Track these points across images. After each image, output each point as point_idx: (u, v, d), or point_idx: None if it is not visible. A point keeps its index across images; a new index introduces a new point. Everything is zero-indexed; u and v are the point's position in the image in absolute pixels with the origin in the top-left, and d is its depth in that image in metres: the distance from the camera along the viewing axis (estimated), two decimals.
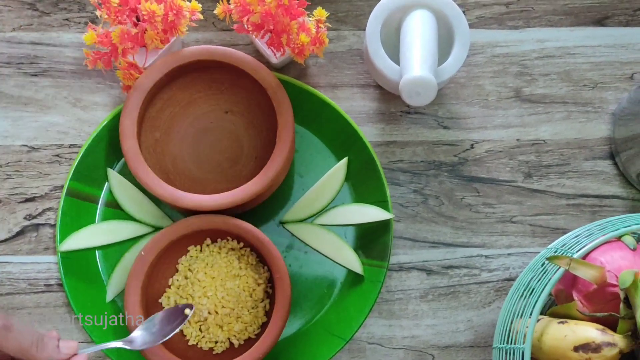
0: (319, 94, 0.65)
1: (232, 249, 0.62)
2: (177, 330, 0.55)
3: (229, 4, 0.60)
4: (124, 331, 0.62)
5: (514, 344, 0.53)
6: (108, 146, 0.65)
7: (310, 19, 0.62)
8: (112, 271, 0.64)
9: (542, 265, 0.56)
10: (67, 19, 0.69)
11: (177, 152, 0.64)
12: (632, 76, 0.69)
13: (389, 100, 0.68)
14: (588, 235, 0.55)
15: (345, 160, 0.66)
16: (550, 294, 0.55)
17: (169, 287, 0.62)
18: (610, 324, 0.52)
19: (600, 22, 0.70)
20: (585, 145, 0.68)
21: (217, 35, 0.69)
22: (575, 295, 0.55)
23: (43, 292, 0.65)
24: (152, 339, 0.54)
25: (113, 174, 0.64)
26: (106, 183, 0.65)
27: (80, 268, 0.64)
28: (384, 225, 0.64)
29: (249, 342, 0.61)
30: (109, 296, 0.63)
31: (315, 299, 0.64)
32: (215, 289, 0.60)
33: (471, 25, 0.69)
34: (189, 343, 0.61)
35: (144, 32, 0.60)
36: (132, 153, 0.59)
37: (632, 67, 0.69)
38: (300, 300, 0.64)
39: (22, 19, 0.69)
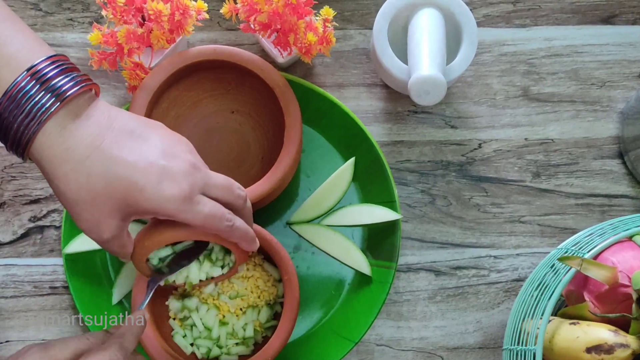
0: (325, 93, 0.65)
1: None
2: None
3: (236, 3, 0.59)
4: None
5: (525, 345, 0.53)
6: None
7: (317, 18, 0.61)
8: (119, 273, 0.63)
9: (552, 266, 0.56)
10: (71, 19, 0.68)
11: None
12: None
13: (396, 99, 0.68)
14: (601, 235, 0.55)
15: (352, 160, 0.65)
16: (560, 295, 0.54)
17: (176, 288, 0.61)
18: (622, 324, 0.52)
19: (607, 20, 0.70)
20: (594, 144, 0.68)
21: (223, 34, 0.68)
22: (586, 296, 0.54)
23: (48, 294, 0.64)
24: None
25: None
26: None
27: (85, 270, 0.63)
28: (392, 226, 0.63)
29: (256, 345, 0.61)
30: (116, 298, 0.63)
31: (323, 301, 0.64)
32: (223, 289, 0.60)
33: (478, 24, 0.68)
34: None
35: (150, 32, 0.60)
36: None
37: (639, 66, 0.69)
38: (308, 301, 0.64)
39: (25, 19, 0.68)
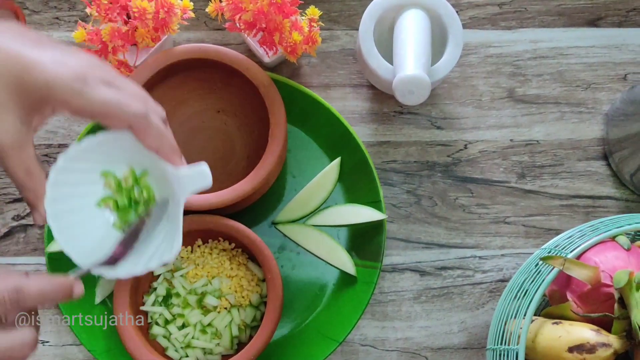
0: (311, 93, 0.65)
1: (224, 250, 0.61)
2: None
3: (221, 2, 0.59)
4: (113, 331, 0.61)
5: (508, 345, 0.53)
6: None
7: (303, 17, 0.61)
8: None
9: (536, 265, 0.56)
10: (57, 18, 0.68)
11: None
12: (625, 77, 0.69)
13: (382, 100, 0.68)
14: (581, 237, 0.55)
15: (338, 160, 0.65)
16: (544, 295, 0.54)
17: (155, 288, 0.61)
18: (604, 324, 0.52)
19: (593, 22, 0.70)
20: (579, 145, 0.68)
21: (209, 34, 0.68)
22: (569, 296, 0.54)
23: None
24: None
25: None
26: None
27: (68, 269, 0.62)
28: (377, 226, 0.63)
29: (240, 344, 0.61)
30: (98, 298, 0.63)
31: (308, 301, 0.64)
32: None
33: (464, 26, 0.69)
34: None
35: (135, 30, 0.60)
36: None
37: (625, 68, 0.69)
38: (293, 301, 0.64)
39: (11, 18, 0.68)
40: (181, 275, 0.60)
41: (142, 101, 0.42)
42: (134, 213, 0.46)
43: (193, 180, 0.44)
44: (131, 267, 0.44)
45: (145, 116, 0.41)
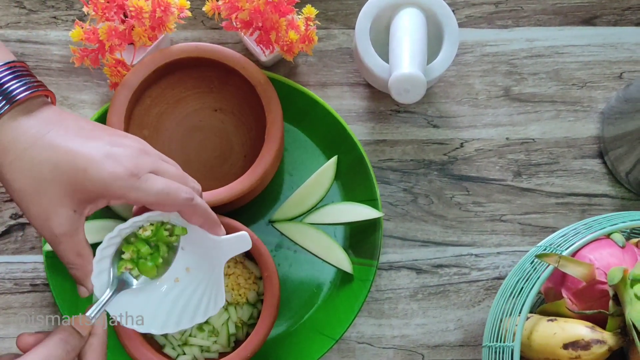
0: (308, 92, 0.65)
1: None
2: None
3: (218, 1, 0.60)
4: (112, 330, 0.61)
5: (504, 342, 0.53)
6: None
7: (300, 16, 0.62)
8: None
9: (531, 263, 0.56)
10: (54, 17, 0.68)
11: (166, 151, 0.63)
12: (621, 75, 0.69)
13: (379, 99, 0.68)
14: (575, 234, 0.55)
15: (334, 158, 0.65)
16: (539, 292, 0.55)
17: None
18: (599, 321, 0.52)
19: (589, 21, 0.70)
20: (574, 144, 0.68)
21: (206, 33, 0.69)
22: (564, 293, 0.55)
23: (29, 292, 0.64)
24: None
25: None
26: None
27: (66, 268, 0.63)
28: (374, 224, 0.64)
29: (237, 342, 0.61)
30: (96, 297, 0.63)
31: (305, 298, 0.64)
32: None
33: (460, 25, 0.69)
34: None
35: (132, 29, 0.60)
36: None
37: (620, 67, 0.69)
38: (290, 299, 0.64)
39: (9, 17, 0.68)
40: None
41: (184, 182, 0.46)
42: (152, 260, 0.48)
43: (233, 245, 0.49)
44: (176, 324, 0.48)
45: (192, 201, 0.45)
